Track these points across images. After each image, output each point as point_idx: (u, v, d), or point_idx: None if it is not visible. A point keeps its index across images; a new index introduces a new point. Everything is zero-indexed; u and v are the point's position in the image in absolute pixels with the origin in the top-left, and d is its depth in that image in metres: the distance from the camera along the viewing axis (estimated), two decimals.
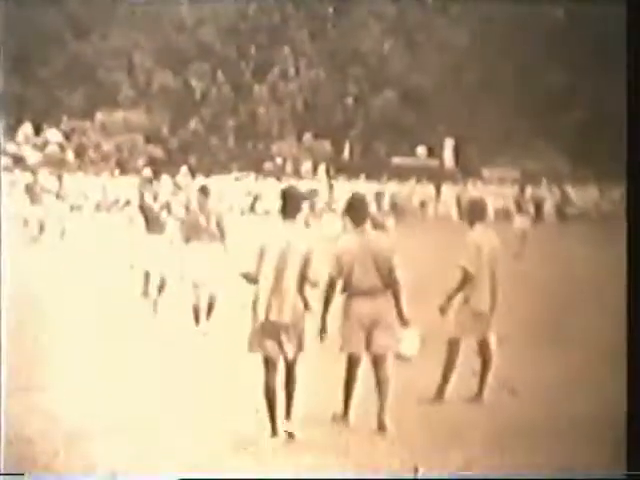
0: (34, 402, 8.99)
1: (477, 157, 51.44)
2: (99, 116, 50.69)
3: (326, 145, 52.75)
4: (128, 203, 28.67)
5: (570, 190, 44.13)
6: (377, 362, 8.69)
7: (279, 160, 52.77)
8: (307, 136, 53.04)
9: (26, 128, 48.84)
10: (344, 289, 8.67)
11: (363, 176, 44.01)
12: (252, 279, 8.14)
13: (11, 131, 46.78)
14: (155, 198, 15.29)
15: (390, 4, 54.42)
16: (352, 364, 8.74)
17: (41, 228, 25.73)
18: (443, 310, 9.64)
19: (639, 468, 6.98)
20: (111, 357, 11.17)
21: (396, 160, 52.31)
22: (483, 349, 9.86)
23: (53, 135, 49.14)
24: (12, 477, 7.15)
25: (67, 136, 49.70)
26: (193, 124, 53.48)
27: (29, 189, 26.21)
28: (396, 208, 34.89)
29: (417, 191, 44.72)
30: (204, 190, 13.44)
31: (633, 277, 7.22)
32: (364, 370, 8.78)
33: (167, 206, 15.42)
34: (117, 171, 45.74)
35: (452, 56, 51.82)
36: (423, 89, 53.13)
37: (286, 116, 54.08)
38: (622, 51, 7.41)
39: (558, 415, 9.06)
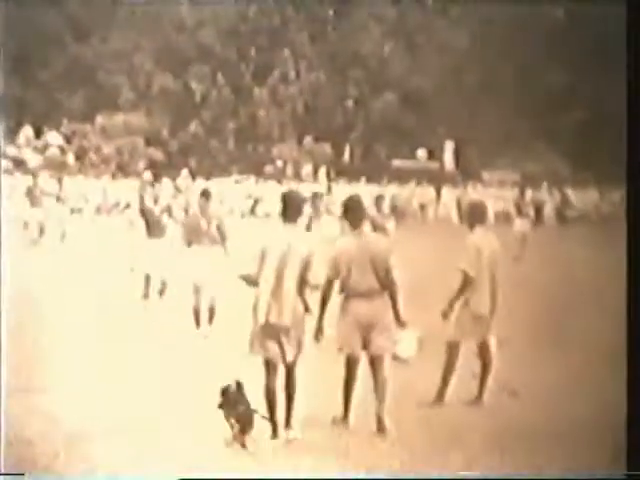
0: (34, 403, 8.98)
1: (477, 159, 51.49)
2: (99, 119, 50.74)
3: (326, 148, 52.80)
4: (128, 206, 28.63)
5: (570, 192, 44.12)
6: (375, 363, 8.69)
7: (279, 163, 52.82)
8: (307, 139, 53.08)
9: (26, 131, 48.90)
10: (342, 290, 8.68)
11: (363, 179, 44.05)
12: (252, 282, 8.15)
13: (11, 134, 46.84)
14: (155, 201, 15.32)
15: (390, 6, 54.46)
16: (351, 364, 8.74)
17: (41, 231, 25.74)
18: (445, 315, 9.61)
19: (639, 470, 6.97)
20: (111, 359, 11.16)
21: (396, 163, 52.39)
22: (483, 352, 9.85)
23: (53, 138, 49.18)
24: (12, 478, 7.16)
25: (67, 139, 49.75)
26: (193, 127, 53.50)
27: (29, 192, 26.24)
28: (396, 211, 34.90)
29: (417, 194, 44.73)
30: (205, 193, 13.41)
31: (633, 279, 7.21)
32: (363, 372, 8.79)
33: (168, 209, 15.45)
34: (118, 174, 45.74)
35: (452, 58, 51.86)
36: (423, 91, 53.18)
37: (286, 119, 54.10)
38: (622, 51, 7.40)
39: (558, 417, 9.06)
